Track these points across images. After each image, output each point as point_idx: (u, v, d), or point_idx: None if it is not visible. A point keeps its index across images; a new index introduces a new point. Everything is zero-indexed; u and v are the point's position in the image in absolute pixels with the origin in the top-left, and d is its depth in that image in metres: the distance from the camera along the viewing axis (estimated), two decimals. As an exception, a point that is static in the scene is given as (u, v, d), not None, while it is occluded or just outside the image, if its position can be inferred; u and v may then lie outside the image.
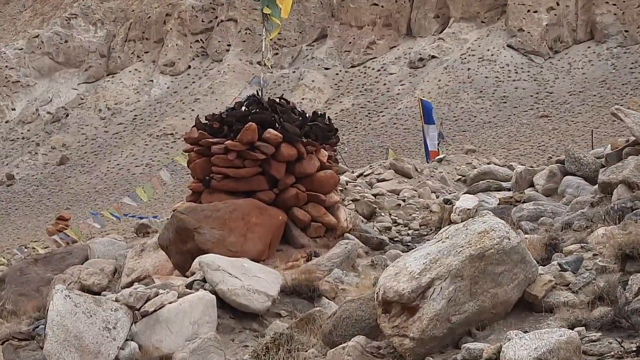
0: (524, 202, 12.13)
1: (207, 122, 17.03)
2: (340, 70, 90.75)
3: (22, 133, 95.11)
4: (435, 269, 7.66)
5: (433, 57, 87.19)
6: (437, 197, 23.07)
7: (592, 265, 8.22)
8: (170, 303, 11.27)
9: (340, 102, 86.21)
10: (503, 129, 73.28)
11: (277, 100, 17.64)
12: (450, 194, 22.57)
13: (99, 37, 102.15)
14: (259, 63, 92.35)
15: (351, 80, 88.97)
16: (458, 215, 9.31)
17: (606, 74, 79.45)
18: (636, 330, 6.82)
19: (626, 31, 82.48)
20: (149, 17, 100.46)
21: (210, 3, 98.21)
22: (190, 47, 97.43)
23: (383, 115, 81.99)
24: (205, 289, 11.83)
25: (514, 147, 65.03)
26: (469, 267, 7.48)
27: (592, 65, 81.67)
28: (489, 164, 27.32)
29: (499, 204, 12.83)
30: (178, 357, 10.14)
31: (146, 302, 11.28)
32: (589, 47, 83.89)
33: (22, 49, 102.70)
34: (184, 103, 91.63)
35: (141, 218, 35.82)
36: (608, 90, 76.17)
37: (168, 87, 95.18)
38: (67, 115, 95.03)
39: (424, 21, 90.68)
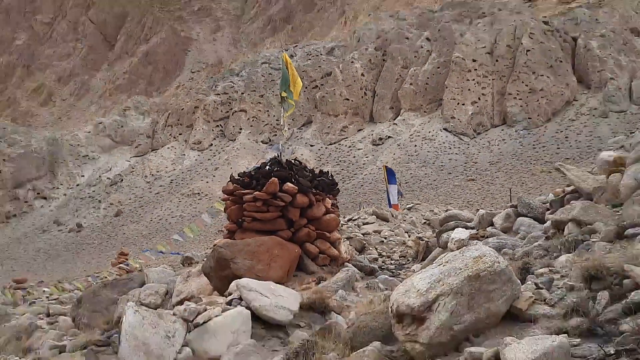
0: (487, 237, 11.60)
1: (239, 178, 16.55)
2: (321, 147, 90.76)
3: (88, 193, 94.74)
4: (439, 287, 7.05)
5: (389, 137, 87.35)
6: (409, 235, 22.61)
7: (562, 284, 7.55)
8: (216, 317, 10.59)
9: (322, 170, 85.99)
10: (441, 189, 73.12)
11: (293, 161, 17.20)
12: (419, 233, 22.13)
13: (146, 123, 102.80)
14: (262, 143, 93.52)
15: (330, 154, 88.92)
16: (454, 244, 8.71)
17: (515, 149, 79.63)
18: (609, 337, 6.13)
19: (529, 118, 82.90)
20: (182, 108, 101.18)
21: (227, 98, 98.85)
22: (212, 130, 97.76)
23: (353, 180, 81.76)
24: (242, 306, 11.13)
25: (449, 202, 64.47)
26: (467, 285, 6.92)
27: (505, 143, 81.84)
28: (446, 211, 27.00)
29: (470, 238, 12.28)
30: (224, 359, 9.45)
31: (197, 316, 10.60)
32: (502, 130, 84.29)
33: (89, 132, 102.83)
34: (207, 171, 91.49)
35: (179, 254, 35.17)
36: (517, 161, 76.24)
37: (196, 160, 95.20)
38: (122, 180, 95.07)
39: (383, 111, 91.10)
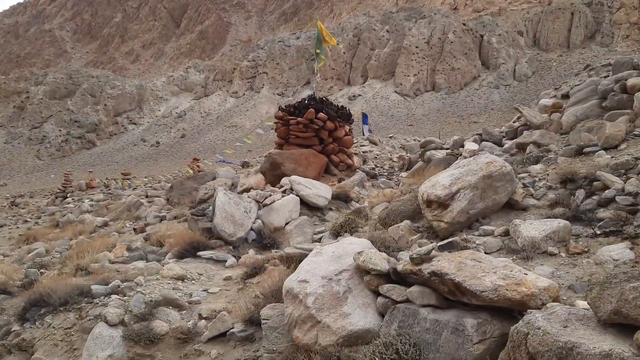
0: (461, 154, 10.76)
1: (286, 108, 15.39)
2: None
3: (163, 122, 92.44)
4: (460, 183, 6.22)
5: (359, 95, 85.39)
6: (391, 154, 21.73)
7: (542, 185, 6.73)
8: (278, 200, 9.76)
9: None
10: (389, 131, 71.61)
11: (323, 98, 15.96)
12: (399, 154, 21.18)
13: (201, 78, 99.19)
14: (277, 95, 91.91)
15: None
16: (467, 153, 7.82)
17: (439, 107, 78.43)
18: (590, 222, 5.46)
19: (449, 87, 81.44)
20: (225, 69, 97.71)
21: (255, 64, 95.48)
22: (245, 84, 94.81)
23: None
24: (293, 194, 10.29)
25: (398, 140, 63.88)
26: (481, 182, 6.10)
27: (433, 102, 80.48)
28: (414, 139, 26.15)
29: (447, 155, 11.33)
30: (288, 228, 8.73)
31: (265, 199, 9.74)
32: (432, 94, 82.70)
33: (164, 81, 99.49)
34: (240, 111, 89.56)
35: (229, 162, 34.04)
36: (440, 115, 75.28)
37: (233, 103, 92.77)
38: (185, 115, 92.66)
39: (356, 78, 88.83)
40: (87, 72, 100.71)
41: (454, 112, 76.60)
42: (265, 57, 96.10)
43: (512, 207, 6.26)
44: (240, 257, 8.26)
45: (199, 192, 14.38)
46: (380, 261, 4.30)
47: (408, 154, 15.25)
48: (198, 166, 30.80)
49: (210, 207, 9.35)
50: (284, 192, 10.36)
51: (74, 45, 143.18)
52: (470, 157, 7.09)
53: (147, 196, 20.66)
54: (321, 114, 14.14)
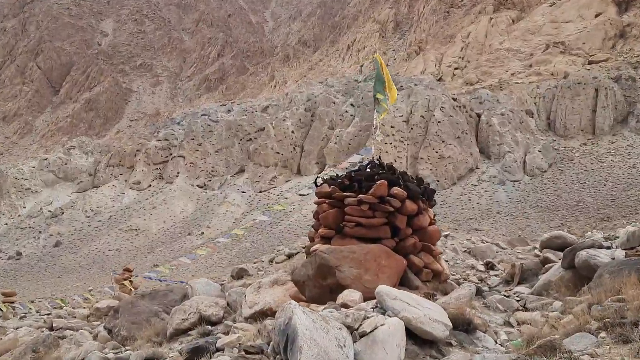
0: (647, 253, 9.24)
1: (335, 179, 13.54)
2: (252, 194, 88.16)
3: (29, 224, 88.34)
4: None
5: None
6: (456, 260, 19.94)
7: None
8: (382, 325, 7.79)
9: (252, 215, 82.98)
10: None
11: (391, 165, 14.26)
12: (484, 260, 19.24)
13: (89, 162, 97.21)
14: (197, 187, 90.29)
15: (259, 200, 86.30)
16: None
17: (427, 207, 78.77)
18: None
19: (437, 181, 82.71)
20: (125, 150, 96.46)
21: (167, 144, 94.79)
22: (152, 172, 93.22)
23: (281, 225, 79.22)
24: (389, 315, 8.35)
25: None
26: None
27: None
28: (482, 242, 24.52)
29: (626, 257, 9.77)
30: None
31: (361, 323, 7.79)
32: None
33: (34, 167, 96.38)
34: (145, 209, 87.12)
35: (162, 280, 30.93)
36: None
37: (134, 198, 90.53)
38: (62, 213, 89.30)
39: (309, 165, 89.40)
40: None
41: (446, 215, 76.99)
42: (182, 135, 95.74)
43: None
44: None
45: (173, 319, 12.22)
46: None
47: (499, 262, 13.73)
48: (131, 281, 27.89)
49: (273, 337, 7.34)
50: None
51: None
52: None
53: (51, 329, 17.82)
54: (398, 189, 12.32)
